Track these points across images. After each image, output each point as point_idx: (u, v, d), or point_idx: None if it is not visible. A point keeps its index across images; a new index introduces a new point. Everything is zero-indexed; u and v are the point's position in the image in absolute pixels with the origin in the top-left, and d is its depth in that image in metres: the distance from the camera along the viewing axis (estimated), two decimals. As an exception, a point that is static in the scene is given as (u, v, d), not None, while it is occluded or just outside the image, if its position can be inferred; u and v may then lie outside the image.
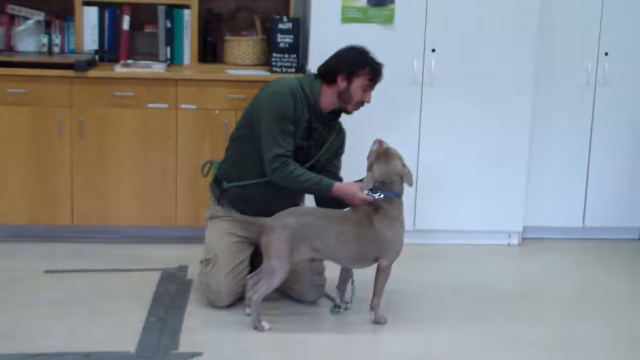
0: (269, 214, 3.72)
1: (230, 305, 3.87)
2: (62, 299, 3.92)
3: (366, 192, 3.66)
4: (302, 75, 3.96)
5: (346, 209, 3.78)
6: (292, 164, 3.75)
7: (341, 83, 3.79)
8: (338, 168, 4.01)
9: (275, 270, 3.60)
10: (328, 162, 3.95)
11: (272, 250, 3.59)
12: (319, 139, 3.90)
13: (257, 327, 3.63)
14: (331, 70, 3.82)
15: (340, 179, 3.94)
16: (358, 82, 3.79)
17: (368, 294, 3.80)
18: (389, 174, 3.67)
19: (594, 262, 4.81)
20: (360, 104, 3.87)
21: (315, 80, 3.85)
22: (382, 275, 3.73)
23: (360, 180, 3.74)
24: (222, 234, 3.91)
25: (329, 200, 3.80)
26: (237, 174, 3.92)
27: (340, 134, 4.01)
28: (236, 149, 3.95)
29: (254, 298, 3.62)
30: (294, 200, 3.97)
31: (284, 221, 3.62)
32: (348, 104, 3.84)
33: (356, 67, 3.78)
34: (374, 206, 3.66)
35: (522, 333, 3.75)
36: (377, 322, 3.77)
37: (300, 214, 3.72)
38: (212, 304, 3.85)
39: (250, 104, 3.93)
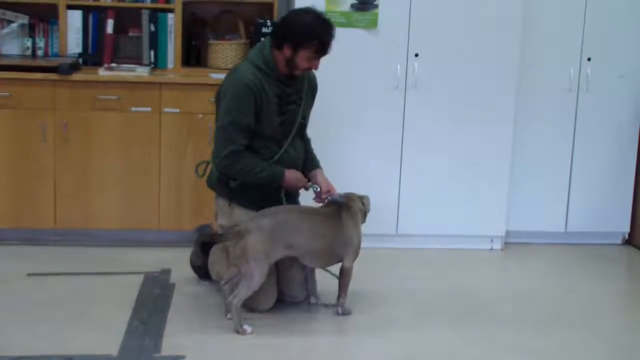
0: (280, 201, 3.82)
1: (212, 309, 3.88)
2: (44, 302, 3.91)
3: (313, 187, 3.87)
4: (256, 48, 3.85)
5: (318, 206, 3.88)
6: (243, 159, 3.74)
7: (287, 51, 3.73)
8: (307, 123, 4.03)
9: (254, 273, 3.61)
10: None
11: (249, 253, 3.60)
12: (296, 100, 3.87)
13: (239, 331, 3.63)
14: (279, 37, 3.74)
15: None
16: (304, 53, 3.72)
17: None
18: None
19: (577, 267, 4.83)
20: (307, 69, 3.82)
21: (268, 47, 3.78)
22: (345, 277, 3.84)
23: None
24: None
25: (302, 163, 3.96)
26: None
27: (310, 80, 3.95)
28: None
29: (234, 302, 3.63)
30: None
31: (259, 223, 3.64)
32: (295, 70, 3.78)
33: (303, 39, 3.69)
34: (345, 205, 3.82)
35: (505, 337, 3.76)
36: (345, 313, 3.86)
37: (274, 213, 3.73)
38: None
39: (217, 96, 3.87)
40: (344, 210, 3.81)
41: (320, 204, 3.89)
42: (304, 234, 3.71)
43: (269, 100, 3.76)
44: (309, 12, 3.78)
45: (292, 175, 3.83)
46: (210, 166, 4.05)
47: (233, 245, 3.63)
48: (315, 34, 3.70)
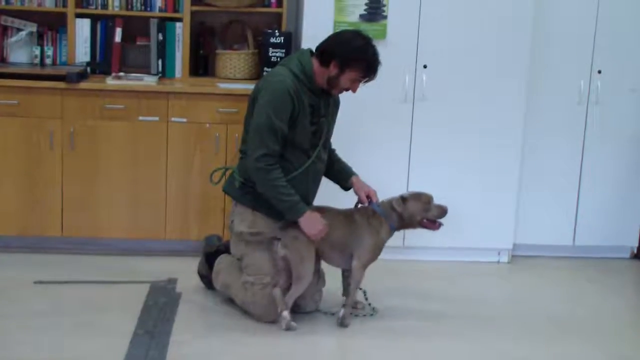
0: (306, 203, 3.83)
1: (218, 319, 3.89)
2: (50, 310, 3.90)
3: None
4: (295, 58, 3.86)
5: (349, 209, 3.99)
6: (278, 171, 3.73)
7: (333, 69, 3.75)
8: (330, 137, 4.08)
9: (307, 273, 3.77)
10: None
11: (305, 255, 3.74)
12: (325, 114, 3.88)
13: (290, 327, 3.77)
14: (328, 53, 3.76)
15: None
16: (350, 74, 3.75)
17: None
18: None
19: (584, 281, 4.80)
20: (345, 90, 3.85)
21: (308, 57, 3.80)
22: (353, 276, 3.87)
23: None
24: (272, 254, 3.85)
25: (335, 174, 4.04)
26: None
27: (336, 100, 4.00)
28: None
29: (289, 303, 3.79)
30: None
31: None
32: (333, 88, 3.81)
33: (353, 60, 3.73)
34: (371, 213, 3.92)
35: (510, 351, 3.74)
36: (342, 323, 3.87)
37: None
38: (263, 320, 3.85)
39: (252, 99, 3.86)
40: (366, 216, 3.90)
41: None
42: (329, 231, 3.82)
43: (305, 109, 3.78)
44: (361, 36, 3.82)
45: (311, 217, 3.77)
46: (229, 172, 4.04)
47: (288, 249, 3.77)
48: (365, 58, 3.75)
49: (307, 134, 3.81)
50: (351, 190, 4.05)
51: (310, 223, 3.76)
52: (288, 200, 3.74)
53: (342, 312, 3.89)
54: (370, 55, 3.76)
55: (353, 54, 3.74)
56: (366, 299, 4.08)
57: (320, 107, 3.85)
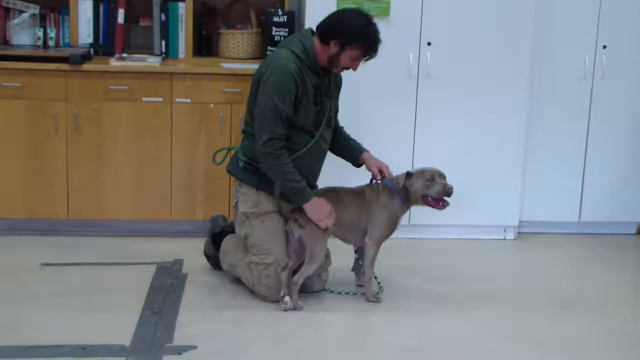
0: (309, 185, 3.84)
1: (224, 299, 3.90)
2: (58, 292, 3.92)
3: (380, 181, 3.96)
4: (296, 38, 3.85)
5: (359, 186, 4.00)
6: (285, 156, 3.74)
7: (333, 48, 3.75)
8: (336, 116, 4.08)
9: (321, 252, 3.80)
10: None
11: (319, 236, 3.78)
12: (326, 93, 3.88)
13: (296, 307, 3.79)
14: (328, 33, 3.76)
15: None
16: (350, 53, 3.75)
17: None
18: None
19: (590, 257, 4.80)
20: (345, 69, 3.85)
21: (310, 37, 3.80)
22: (366, 253, 3.90)
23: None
24: (277, 233, 3.87)
25: (345, 152, 4.04)
26: None
27: (337, 78, 3.99)
28: None
29: (299, 281, 3.80)
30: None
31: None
32: (334, 66, 3.81)
33: (353, 39, 3.73)
34: (382, 188, 3.93)
35: (519, 327, 3.75)
36: (368, 300, 3.91)
37: (322, 193, 3.88)
38: (269, 300, 3.86)
39: (255, 80, 3.85)
40: (372, 190, 3.92)
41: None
42: (337, 208, 3.82)
43: (308, 90, 3.77)
44: (362, 14, 3.82)
45: (317, 203, 3.78)
46: (232, 152, 4.04)
47: (304, 229, 3.78)
48: (366, 37, 3.75)
49: (310, 114, 3.81)
50: (363, 168, 4.04)
51: (316, 209, 3.77)
52: (295, 186, 3.75)
53: (365, 291, 3.93)
54: (371, 33, 3.76)
55: (353, 33, 3.73)
56: (375, 277, 4.09)
57: (322, 87, 3.85)
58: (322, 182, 4.02)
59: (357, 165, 4.06)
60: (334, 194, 3.88)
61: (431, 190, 3.87)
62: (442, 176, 3.91)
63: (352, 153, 4.06)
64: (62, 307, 3.74)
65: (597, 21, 4.86)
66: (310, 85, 3.78)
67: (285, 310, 3.77)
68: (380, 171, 3.96)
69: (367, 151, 4.06)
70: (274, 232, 3.86)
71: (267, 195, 3.88)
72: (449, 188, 3.87)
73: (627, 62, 4.93)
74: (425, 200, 3.91)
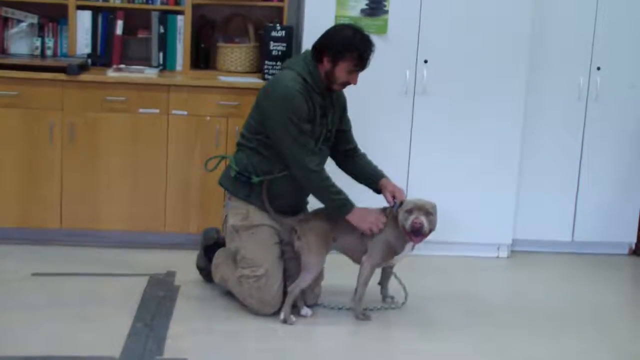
0: (297, 205, 3.87)
1: (216, 313, 3.90)
2: (48, 302, 3.91)
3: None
4: (300, 60, 3.85)
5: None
6: (325, 171, 3.80)
7: (327, 64, 3.77)
8: (351, 139, 4.08)
9: (316, 265, 3.80)
10: (339, 132, 3.99)
11: (314, 246, 3.79)
12: (328, 113, 3.88)
13: (287, 320, 3.78)
14: (319, 49, 3.78)
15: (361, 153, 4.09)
16: (343, 66, 3.75)
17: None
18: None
19: (583, 277, 4.81)
20: (345, 84, 3.85)
21: (311, 58, 3.80)
22: (360, 272, 3.89)
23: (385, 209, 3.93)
24: (268, 245, 3.88)
25: (365, 179, 4.03)
26: (267, 166, 3.85)
27: (338, 94, 3.97)
28: (261, 142, 3.85)
29: (295, 290, 3.80)
30: None
31: (316, 218, 3.86)
32: (333, 83, 3.81)
33: (342, 51, 3.73)
34: (389, 213, 3.88)
35: (510, 346, 3.75)
36: (357, 318, 3.90)
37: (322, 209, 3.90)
38: (261, 313, 3.85)
39: (261, 100, 3.84)
40: (381, 211, 3.89)
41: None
42: (342, 227, 3.85)
43: (316, 111, 3.79)
44: (349, 27, 3.85)
45: (361, 212, 3.82)
46: (226, 161, 4.04)
47: (298, 239, 3.82)
48: (354, 46, 3.74)
49: (316, 134, 3.83)
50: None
51: (362, 217, 3.80)
52: (338, 198, 3.79)
53: (355, 309, 3.93)
54: (358, 42, 3.75)
55: (341, 45, 3.74)
56: (403, 287, 4.15)
57: (325, 107, 3.86)
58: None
59: (377, 191, 4.02)
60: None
61: (406, 222, 3.79)
62: (422, 210, 3.78)
63: (372, 179, 4.03)
64: (52, 317, 3.73)
65: (592, 43, 4.89)
66: (318, 106, 3.80)
67: (284, 320, 3.78)
68: (394, 196, 3.93)
69: (387, 177, 4.03)
70: (264, 244, 3.87)
71: (256, 208, 3.89)
72: (415, 223, 3.75)
73: (620, 84, 4.96)
74: (404, 232, 3.84)
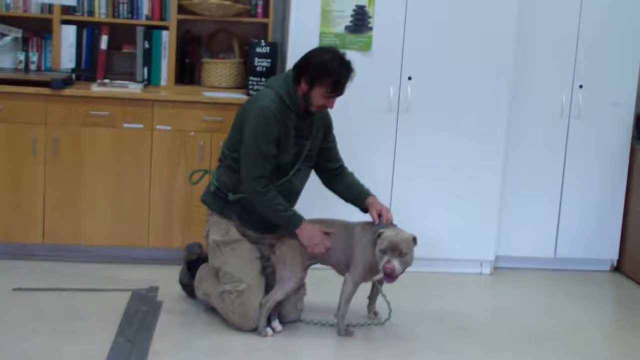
0: (272, 225, 3.85)
1: (199, 328, 3.88)
2: (30, 317, 3.88)
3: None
4: (281, 78, 3.88)
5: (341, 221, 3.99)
6: (272, 192, 3.77)
7: (304, 86, 3.77)
8: (337, 158, 4.07)
9: (291, 278, 3.81)
10: (324, 150, 3.99)
11: (287, 260, 3.78)
12: (307, 136, 3.88)
13: (262, 333, 3.79)
14: (298, 70, 3.79)
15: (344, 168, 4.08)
16: (319, 90, 3.75)
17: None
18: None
19: (565, 293, 4.83)
20: (322, 107, 3.85)
21: (292, 81, 3.80)
22: (343, 287, 3.88)
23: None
24: (249, 260, 3.89)
25: (352, 197, 4.02)
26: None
27: (323, 116, 3.96)
28: (236, 160, 3.85)
29: (267, 304, 3.79)
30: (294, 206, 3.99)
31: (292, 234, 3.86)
32: (310, 105, 3.82)
33: (319, 76, 3.73)
34: (373, 230, 3.82)
35: (492, 362, 3.76)
36: (339, 334, 3.89)
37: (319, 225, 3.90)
38: (243, 328, 3.84)
39: (239, 116, 3.88)
40: (363, 230, 3.87)
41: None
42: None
43: (288, 131, 3.79)
44: (329, 51, 3.83)
45: (309, 228, 3.82)
46: (208, 176, 4.05)
47: (273, 254, 3.86)
48: (331, 72, 3.72)
49: (288, 155, 3.84)
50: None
51: (308, 234, 3.81)
52: (285, 215, 3.80)
53: (337, 325, 3.92)
54: (336, 67, 3.73)
55: (319, 69, 3.73)
56: (388, 303, 4.11)
57: (303, 129, 3.86)
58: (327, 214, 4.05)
59: (364, 210, 4.02)
60: (324, 224, 3.89)
61: (379, 261, 3.71)
62: (395, 251, 3.67)
63: (358, 198, 4.03)
64: (33, 332, 3.70)
65: (574, 61, 4.94)
66: (292, 127, 3.80)
67: (258, 332, 3.79)
68: (380, 215, 3.91)
69: (373, 195, 4.03)
70: (245, 260, 3.88)
71: (236, 224, 3.92)
72: (386, 268, 3.66)
73: (602, 102, 5.00)
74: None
